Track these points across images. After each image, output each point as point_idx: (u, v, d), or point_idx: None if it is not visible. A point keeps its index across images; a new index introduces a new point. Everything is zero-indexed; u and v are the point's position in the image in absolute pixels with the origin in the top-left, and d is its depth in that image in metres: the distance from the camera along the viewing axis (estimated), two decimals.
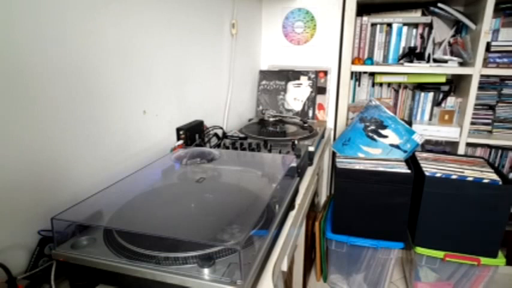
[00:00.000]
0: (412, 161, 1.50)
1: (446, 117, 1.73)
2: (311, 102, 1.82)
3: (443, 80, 1.69)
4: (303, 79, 1.83)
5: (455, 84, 1.78)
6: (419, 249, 1.44)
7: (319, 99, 1.82)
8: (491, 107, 1.69)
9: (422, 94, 1.78)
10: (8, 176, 0.61)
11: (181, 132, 1.10)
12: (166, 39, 1.06)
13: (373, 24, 1.75)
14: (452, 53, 1.68)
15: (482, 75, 1.59)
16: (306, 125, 1.52)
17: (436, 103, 1.78)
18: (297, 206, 0.93)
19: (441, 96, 1.76)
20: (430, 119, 1.81)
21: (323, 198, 2.04)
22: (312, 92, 1.82)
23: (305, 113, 1.83)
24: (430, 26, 1.71)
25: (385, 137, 1.48)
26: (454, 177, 1.33)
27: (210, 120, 1.38)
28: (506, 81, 1.66)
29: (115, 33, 0.84)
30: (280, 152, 1.10)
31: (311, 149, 1.22)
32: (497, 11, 1.56)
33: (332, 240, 1.53)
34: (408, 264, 1.69)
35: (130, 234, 0.62)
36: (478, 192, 1.31)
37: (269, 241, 0.66)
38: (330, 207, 1.71)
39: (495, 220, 1.33)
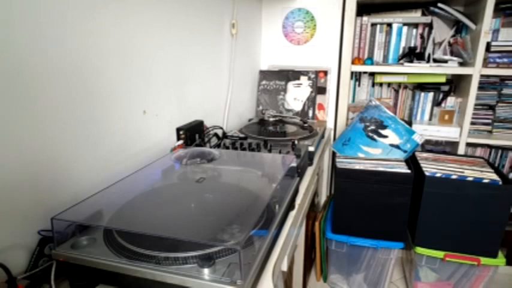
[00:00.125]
0: (412, 161, 1.50)
1: (446, 117, 1.73)
2: (311, 102, 1.82)
3: (443, 80, 1.69)
4: (303, 79, 1.83)
5: (455, 84, 1.78)
6: (419, 249, 1.44)
7: (319, 99, 1.82)
8: (491, 107, 1.69)
9: (422, 94, 1.78)
10: (8, 176, 0.61)
11: (181, 132, 1.10)
12: (166, 39, 1.06)
13: (373, 24, 1.75)
14: (452, 53, 1.68)
15: (482, 75, 1.59)
16: (306, 125, 1.52)
17: (436, 103, 1.78)
18: (297, 206, 0.93)
19: (441, 96, 1.76)
20: (430, 119, 1.81)
21: (323, 198, 2.04)
22: (312, 92, 1.82)
23: (305, 113, 1.83)
24: (430, 26, 1.71)
25: (385, 137, 1.48)
26: (454, 177, 1.33)
27: (210, 120, 1.38)
28: (506, 81, 1.66)
29: (115, 33, 0.84)
30: (280, 152, 1.10)
31: (311, 149, 1.22)
32: (497, 11, 1.56)
33: (332, 240, 1.53)
34: (408, 264, 1.69)
35: (130, 234, 0.62)
36: (478, 192, 1.31)
37: (269, 241, 0.66)
38: (330, 207, 1.71)
39: (495, 220, 1.33)
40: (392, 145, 1.47)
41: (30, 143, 0.65)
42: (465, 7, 1.69)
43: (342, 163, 1.44)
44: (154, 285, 0.56)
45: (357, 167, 1.40)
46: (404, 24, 1.73)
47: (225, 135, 1.29)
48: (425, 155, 1.57)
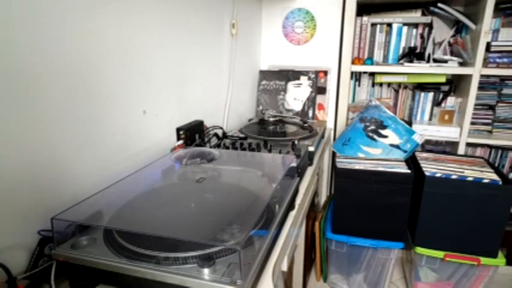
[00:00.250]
0: (412, 161, 1.50)
1: (446, 117, 1.73)
2: (311, 102, 1.82)
3: (443, 80, 1.69)
4: (303, 79, 1.83)
5: (455, 84, 1.78)
6: (419, 249, 1.44)
7: (319, 99, 1.82)
8: (491, 107, 1.69)
9: (422, 94, 1.78)
10: (8, 176, 0.61)
11: (181, 132, 1.10)
12: (166, 39, 1.06)
13: (373, 24, 1.75)
14: (452, 53, 1.68)
15: (482, 75, 1.59)
16: (306, 125, 1.52)
17: (436, 103, 1.78)
18: (297, 206, 0.93)
19: (441, 96, 1.76)
20: (430, 119, 1.81)
21: (323, 198, 2.04)
22: (312, 92, 1.82)
23: (305, 113, 1.83)
24: (430, 26, 1.71)
25: (385, 137, 1.48)
26: (454, 177, 1.33)
27: (210, 120, 1.38)
28: (506, 81, 1.66)
29: (115, 33, 0.84)
30: (280, 152, 1.10)
31: (311, 149, 1.22)
32: (497, 11, 1.56)
33: (332, 240, 1.53)
34: (408, 264, 1.69)
35: (130, 234, 0.62)
36: (478, 192, 1.31)
37: (269, 241, 0.66)
38: (330, 207, 1.71)
39: (495, 220, 1.33)
40: (392, 145, 1.47)
41: (30, 143, 0.65)
42: (465, 7, 1.69)
43: (342, 163, 1.44)
44: (154, 285, 0.56)
45: (357, 167, 1.40)
46: (404, 24, 1.73)
47: (225, 135, 1.29)
48: (425, 155, 1.57)
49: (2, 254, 0.61)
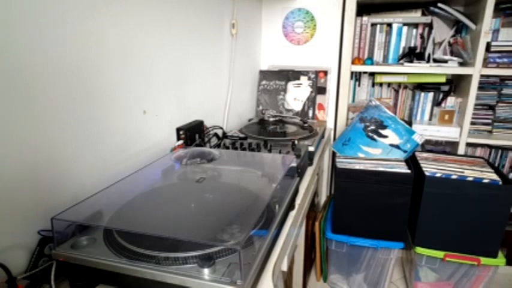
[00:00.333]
0: (412, 161, 1.50)
1: (446, 117, 1.73)
2: (311, 102, 1.82)
3: (443, 80, 1.69)
4: (303, 79, 1.83)
5: (455, 84, 1.78)
6: (419, 249, 1.44)
7: (319, 99, 1.82)
8: (491, 107, 1.69)
9: (422, 94, 1.78)
10: (8, 176, 0.61)
11: (181, 132, 1.10)
12: (166, 39, 1.06)
13: (373, 24, 1.75)
14: (452, 53, 1.68)
15: (482, 75, 1.59)
16: (306, 125, 1.52)
17: (436, 103, 1.78)
18: (297, 206, 0.93)
19: (441, 96, 1.76)
20: (430, 119, 1.81)
21: (323, 198, 2.04)
22: (312, 92, 1.82)
23: (305, 113, 1.83)
24: (430, 26, 1.71)
25: (385, 137, 1.48)
26: (454, 177, 1.33)
27: (210, 120, 1.38)
28: (506, 81, 1.66)
29: (115, 33, 0.84)
30: (280, 152, 1.10)
31: (311, 149, 1.22)
32: (497, 11, 1.56)
33: (332, 240, 1.53)
34: (408, 264, 1.69)
35: (130, 234, 0.62)
36: (478, 192, 1.31)
37: (269, 241, 0.66)
38: (330, 207, 1.71)
39: (495, 220, 1.33)
40: (392, 145, 1.47)
41: (30, 143, 0.65)
42: (465, 7, 1.69)
43: (342, 163, 1.44)
44: (154, 285, 0.56)
45: (357, 167, 1.40)
46: (404, 24, 1.73)
47: (225, 135, 1.29)
48: (425, 155, 1.57)
49: (2, 254, 0.61)
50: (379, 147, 1.48)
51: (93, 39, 0.77)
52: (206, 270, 0.55)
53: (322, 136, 1.57)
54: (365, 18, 1.74)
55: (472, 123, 1.67)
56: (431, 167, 1.41)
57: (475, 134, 1.72)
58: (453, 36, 1.69)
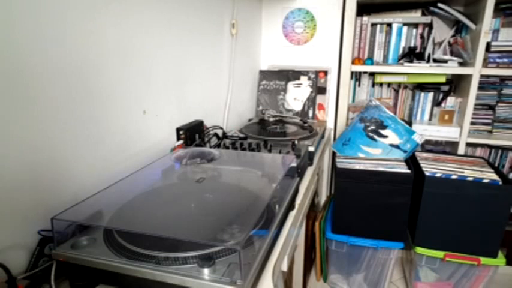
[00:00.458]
0: (412, 161, 1.50)
1: (446, 117, 1.73)
2: (311, 102, 1.82)
3: (443, 80, 1.69)
4: (303, 79, 1.83)
5: (455, 84, 1.78)
6: (419, 249, 1.44)
7: (319, 99, 1.82)
8: (491, 107, 1.69)
9: (422, 94, 1.78)
10: (8, 176, 0.61)
11: (181, 132, 1.10)
12: (166, 39, 1.06)
13: (373, 24, 1.75)
14: (452, 53, 1.68)
15: (482, 75, 1.59)
16: (306, 125, 1.52)
17: (436, 103, 1.78)
18: (297, 206, 0.93)
19: (441, 96, 1.76)
20: (430, 119, 1.81)
21: (323, 198, 2.04)
22: (312, 92, 1.82)
23: (305, 113, 1.83)
24: (430, 26, 1.71)
25: (385, 137, 1.48)
26: (454, 177, 1.33)
27: (210, 120, 1.38)
28: (506, 81, 1.66)
29: (115, 33, 0.84)
30: (280, 152, 1.10)
31: (311, 149, 1.22)
32: (497, 11, 1.56)
33: (332, 240, 1.53)
34: (408, 264, 1.69)
35: (130, 234, 0.62)
36: (478, 192, 1.31)
37: (269, 241, 0.66)
38: (330, 207, 1.71)
39: (495, 220, 1.33)
40: (392, 145, 1.47)
41: (30, 143, 0.65)
42: (465, 7, 1.69)
43: (342, 163, 1.44)
44: (154, 285, 0.56)
45: (357, 167, 1.40)
46: (404, 24, 1.73)
47: (225, 135, 1.29)
48: (425, 155, 1.57)
49: (2, 254, 0.61)
50: (379, 147, 1.48)
51: (93, 39, 0.77)
52: (206, 270, 0.55)
53: (322, 136, 1.57)
54: (365, 18, 1.74)
55: (472, 123, 1.67)
56: (431, 167, 1.41)
57: (475, 134, 1.72)
58: (453, 36, 1.69)
